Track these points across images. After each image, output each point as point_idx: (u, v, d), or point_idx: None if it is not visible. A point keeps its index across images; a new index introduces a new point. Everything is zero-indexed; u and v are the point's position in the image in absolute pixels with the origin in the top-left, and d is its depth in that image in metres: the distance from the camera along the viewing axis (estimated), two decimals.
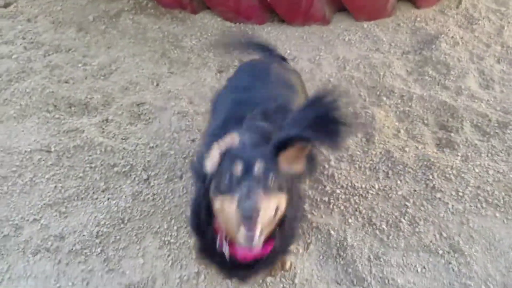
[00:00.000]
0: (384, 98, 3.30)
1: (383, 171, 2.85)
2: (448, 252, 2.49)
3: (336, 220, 2.61)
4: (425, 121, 3.14)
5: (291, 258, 2.43)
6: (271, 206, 1.60)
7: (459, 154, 2.93)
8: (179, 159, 2.87)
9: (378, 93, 3.35)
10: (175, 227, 2.54)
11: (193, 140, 2.98)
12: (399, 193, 2.73)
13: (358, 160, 2.90)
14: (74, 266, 2.39)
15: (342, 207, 2.67)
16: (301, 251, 2.49)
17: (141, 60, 3.53)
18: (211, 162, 1.73)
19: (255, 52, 2.76)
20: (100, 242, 2.48)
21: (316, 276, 2.39)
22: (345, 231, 2.56)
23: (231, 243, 1.80)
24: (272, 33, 3.88)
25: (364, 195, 2.72)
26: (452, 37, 3.76)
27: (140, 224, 2.56)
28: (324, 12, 3.90)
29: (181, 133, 3.01)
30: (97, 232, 2.51)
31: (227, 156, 1.70)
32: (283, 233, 1.85)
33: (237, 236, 1.60)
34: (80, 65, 3.45)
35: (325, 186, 2.75)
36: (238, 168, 1.61)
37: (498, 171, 2.84)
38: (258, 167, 1.60)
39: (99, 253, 2.44)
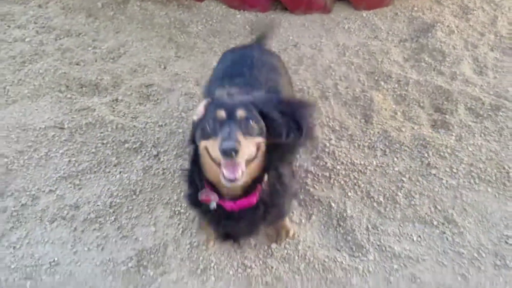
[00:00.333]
0: (382, 83, 3.44)
1: (381, 149, 2.99)
2: (443, 223, 2.63)
3: (336, 194, 2.75)
4: (421, 104, 3.29)
5: (294, 227, 2.57)
6: (251, 147, 1.75)
7: (453, 134, 3.07)
8: (187, 137, 3.00)
9: (376, 78, 3.49)
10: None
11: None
12: (396, 169, 2.88)
13: (357, 139, 3.05)
14: (89, 233, 2.52)
15: (342, 182, 2.81)
16: (303, 221, 2.62)
17: (148, 45, 3.66)
18: (198, 112, 1.89)
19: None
20: (113, 212, 2.61)
21: (318, 244, 2.53)
22: (345, 203, 2.70)
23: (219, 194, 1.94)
24: (274, 21, 4.01)
25: (363, 171, 2.87)
26: (448, 26, 3.91)
27: (151, 196, 2.69)
28: (325, 1, 4.04)
29: (188, 113, 3.14)
30: (111, 203, 2.64)
31: (211, 105, 1.85)
32: (273, 188, 2.00)
33: (220, 174, 1.73)
34: (90, 48, 3.58)
35: (326, 163, 2.89)
36: (222, 113, 1.75)
37: (490, 150, 2.99)
38: (239, 113, 1.76)
39: (113, 221, 2.57)
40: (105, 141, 2.94)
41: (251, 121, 1.77)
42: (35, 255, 2.41)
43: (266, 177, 1.98)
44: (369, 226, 2.61)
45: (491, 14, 4.09)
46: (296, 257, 2.46)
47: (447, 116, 3.18)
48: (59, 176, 2.75)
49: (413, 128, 3.11)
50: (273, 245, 2.50)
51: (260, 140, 1.81)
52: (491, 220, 2.66)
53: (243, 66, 2.46)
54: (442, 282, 2.38)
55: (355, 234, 2.57)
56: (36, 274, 2.34)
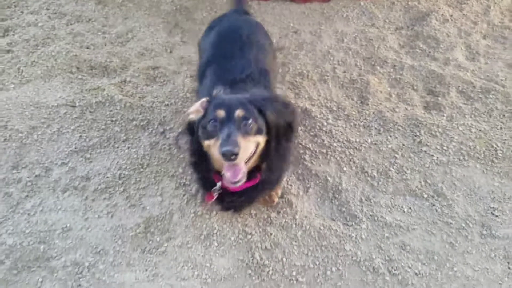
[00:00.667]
0: (378, 67, 3.55)
1: (375, 128, 3.10)
2: (432, 196, 2.74)
3: (332, 169, 2.86)
4: (415, 87, 3.39)
5: (292, 199, 2.68)
6: (250, 147, 1.87)
7: (444, 115, 3.18)
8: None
9: (372, 63, 3.60)
10: (189, 172, 2.79)
11: None
12: (389, 146, 2.98)
13: (353, 119, 3.16)
14: (99, 202, 2.64)
15: (338, 158, 2.92)
16: (301, 193, 2.74)
17: (155, 30, 3.77)
18: (195, 111, 2.00)
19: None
20: (122, 183, 2.73)
21: (314, 214, 2.64)
22: (340, 177, 2.82)
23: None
24: (276, 9, 4.11)
25: (358, 148, 2.98)
26: (442, 14, 4.00)
27: (158, 169, 2.81)
28: None
29: (193, 94, 3.25)
30: (120, 175, 2.76)
31: (211, 104, 1.95)
32: (270, 169, 2.14)
33: (223, 175, 1.91)
34: (99, 33, 3.69)
35: (323, 140, 3.00)
36: (221, 113, 1.86)
37: (480, 130, 3.09)
38: (238, 113, 1.86)
39: (122, 192, 2.68)
40: (114, 119, 3.06)
41: (249, 120, 1.87)
42: (48, 222, 2.53)
43: (265, 164, 2.11)
44: (363, 198, 2.72)
45: (484, 4, 4.18)
46: (294, 225, 2.57)
47: (439, 98, 3.29)
48: (70, 150, 2.87)
49: (406, 109, 3.21)
50: (272, 214, 2.61)
51: (259, 138, 1.94)
52: (479, 193, 2.77)
53: (232, 45, 2.54)
54: (431, 249, 2.49)
55: (349, 206, 2.68)
56: (49, 238, 2.46)
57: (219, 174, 2.08)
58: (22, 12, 3.85)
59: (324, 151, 2.95)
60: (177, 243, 2.48)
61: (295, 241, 2.51)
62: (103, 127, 3.01)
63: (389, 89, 3.38)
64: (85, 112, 3.09)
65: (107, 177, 2.75)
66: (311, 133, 3.04)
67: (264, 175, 2.13)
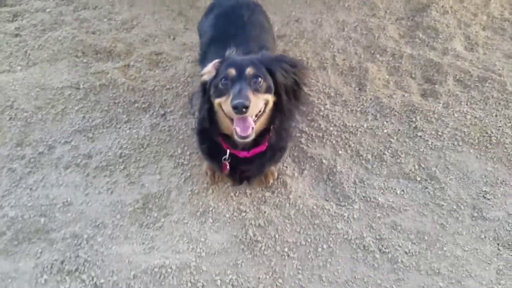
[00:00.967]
0: (378, 56, 3.56)
1: (372, 114, 3.12)
2: (426, 180, 2.76)
3: (328, 152, 2.89)
4: (413, 75, 3.41)
5: (287, 180, 2.71)
6: (259, 103, 1.94)
7: (441, 101, 3.19)
8: (196, 96, 3.15)
9: (372, 51, 3.61)
10: (188, 152, 2.83)
11: None
12: (385, 131, 3.00)
13: (350, 105, 3.17)
14: (100, 178, 2.69)
15: (334, 142, 2.94)
16: (296, 175, 2.77)
17: (159, 17, 3.81)
18: (208, 72, 2.08)
19: None
20: (123, 161, 2.77)
21: (308, 194, 2.67)
22: (335, 160, 2.84)
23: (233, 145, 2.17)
24: None
25: (354, 132, 3.00)
26: (443, 6, 4.00)
27: (157, 149, 2.85)
28: None
29: (194, 78, 3.29)
30: (120, 154, 2.81)
31: (223, 64, 2.02)
32: (277, 133, 2.25)
33: (233, 131, 1.97)
34: (105, 19, 3.74)
35: (320, 125, 3.03)
36: (232, 72, 1.93)
37: (475, 117, 3.10)
38: (248, 71, 1.94)
39: (122, 169, 2.73)
40: (116, 101, 3.11)
41: (259, 78, 1.94)
42: (49, 196, 2.58)
43: (272, 127, 2.19)
44: (357, 180, 2.75)
45: None
46: (287, 205, 2.60)
47: (436, 86, 3.30)
48: (74, 130, 2.92)
49: (403, 95, 3.23)
50: (267, 194, 2.64)
51: (268, 97, 2.00)
52: (472, 177, 2.78)
53: (232, 25, 2.62)
54: (421, 230, 2.51)
55: (343, 187, 2.70)
56: (50, 212, 2.51)
57: (227, 141, 2.18)
58: None
59: (320, 135, 2.97)
60: (174, 219, 2.52)
61: (288, 219, 2.54)
62: (106, 108, 3.06)
63: (387, 76, 3.39)
64: (89, 94, 3.14)
65: (108, 155, 2.80)
66: (308, 118, 3.06)
67: (272, 140, 2.22)
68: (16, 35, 3.52)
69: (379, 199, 2.64)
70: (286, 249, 2.41)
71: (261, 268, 2.34)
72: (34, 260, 2.30)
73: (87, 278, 2.25)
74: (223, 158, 2.28)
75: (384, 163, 2.83)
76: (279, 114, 2.13)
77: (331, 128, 3.01)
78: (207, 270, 2.31)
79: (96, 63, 3.38)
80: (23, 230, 2.42)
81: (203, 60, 2.62)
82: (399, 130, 3.01)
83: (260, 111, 1.99)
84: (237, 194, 2.65)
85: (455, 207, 2.63)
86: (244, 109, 1.81)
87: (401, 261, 2.38)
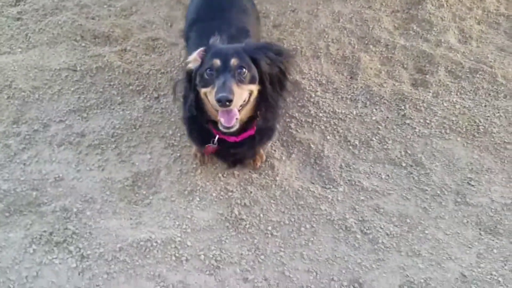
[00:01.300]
0: (371, 46, 3.58)
1: (362, 101, 3.14)
2: (411, 165, 2.78)
3: (316, 137, 2.91)
4: (405, 66, 3.42)
5: (275, 163, 2.74)
6: (243, 94, 1.98)
7: (431, 91, 3.20)
8: (181, 84, 3.19)
9: (366, 42, 3.62)
10: (179, 134, 2.86)
11: None
12: (373, 118, 3.02)
13: (341, 92, 3.20)
14: (92, 156, 2.73)
15: (322, 127, 2.97)
16: (284, 158, 2.79)
17: (158, 5, 3.85)
18: (193, 60, 2.10)
19: None
20: (115, 141, 2.82)
21: (295, 177, 2.70)
22: (323, 145, 2.86)
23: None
24: None
25: (343, 118, 3.02)
26: (438, 0, 4.01)
27: (149, 130, 2.89)
28: None
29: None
30: (113, 133, 2.85)
31: (208, 53, 2.05)
32: (264, 118, 2.23)
33: (218, 121, 2.02)
34: (105, 6, 3.79)
35: (310, 110, 3.05)
36: (217, 62, 1.96)
37: (464, 106, 3.11)
38: (233, 61, 1.96)
39: (113, 148, 2.77)
40: (112, 83, 3.15)
41: (244, 69, 1.97)
42: (42, 171, 2.63)
43: (258, 113, 2.21)
44: (343, 165, 2.77)
45: None
46: (273, 186, 2.63)
47: (427, 76, 3.31)
48: (69, 109, 2.97)
49: (394, 84, 3.24)
50: (254, 175, 2.67)
51: (253, 87, 2.04)
52: (458, 164, 2.79)
53: (213, 8, 2.66)
54: (404, 213, 2.53)
55: (329, 171, 2.73)
56: (42, 186, 2.56)
57: (215, 126, 2.18)
58: None
59: (310, 120, 2.99)
60: (162, 197, 2.56)
61: (273, 200, 2.57)
62: (101, 90, 3.11)
63: (379, 66, 3.41)
64: (85, 76, 3.19)
65: (101, 134, 2.84)
66: (299, 104, 3.09)
67: (259, 124, 2.25)
68: (18, 19, 3.58)
69: (364, 183, 2.66)
70: (269, 228, 2.44)
71: (244, 245, 2.38)
72: (24, 231, 2.35)
73: (74, 249, 2.29)
74: (211, 141, 2.32)
75: (371, 148, 2.85)
76: (264, 102, 2.16)
77: (321, 114, 3.03)
78: (191, 245, 2.35)
79: (94, 47, 3.42)
80: (15, 203, 2.46)
81: (187, 39, 2.72)
82: (387, 117, 3.03)
83: (244, 101, 2.03)
84: (225, 175, 2.68)
85: (439, 192, 2.64)
86: (228, 103, 1.85)
87: (382, 242, 2.40)
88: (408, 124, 2.98)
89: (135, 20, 3.68)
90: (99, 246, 2.31)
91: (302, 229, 2.44)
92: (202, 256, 2.31)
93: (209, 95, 1.98)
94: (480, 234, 2.47)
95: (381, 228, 2.46)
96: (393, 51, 3.52)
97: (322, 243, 2.39)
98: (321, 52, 3.50)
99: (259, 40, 2.86)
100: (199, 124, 2.30)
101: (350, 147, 2.86)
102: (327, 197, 2.58)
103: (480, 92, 3.20)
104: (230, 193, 2.59)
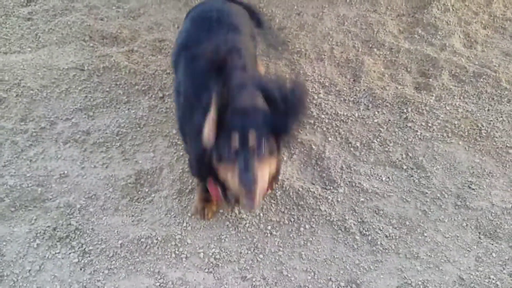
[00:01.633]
0: (375, 50, 3.58)
1: (364, 104, 3.14)
2: (412, 168, 2.77)
3: (318, 138, 2.92)
4: (408, 69, 3.41)
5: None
6: (265, 173, 1.80)
7: (434, 95, 3.19)
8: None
9: (370, 45, 3.62)
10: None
11: None
12: (375, 120, 3.02)
13: (344, 94, 3.20)
14: (96, 154, 2.77)
15: (324, 129, 2.97)
16: (285, 159, 2.80)
17: (166, 7, 3.88)
18: (208, 136, 1.84)
19: None
20: (119, 139, 2.85)
21: (296, 178, 2.71)
22: (325, 146, 2.87)
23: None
24: None
25: (345, 120, 3.02)
26: (444, 4, 3.98)
27: (153, 129, 2.92)
28: None
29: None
30: (118, 132, 2.88)
31: (224, 129, 1.81)
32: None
33: (241, 201, 1.85)
34: (114, 7, 3.83)
35: (312, 112, 3.06)
36: (236, 140, 1.76)
37: (467, 110, 3.10)
38: (251, 137, 1.76)
39: (118, 146, 2.81)
40: (118, 83, 3.18)
41: (262, 143, 1.77)
42: (48, 168, 2.67)
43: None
44: (344, 166, 2.77)
45: None
46: (274, 185, 2.64)
47: (430, 80, 3.30)
48: (75, 108, 3.01)
49: (397, 87, 3.24)
50: None
51: (272, 161, 1.86)
52: (459, 168, 2.78)
53: (202, 29, 2.41)
54: (403, 215, 2.53)
55: (330, 172, 2.73)
56: (47, 182, 2.60)
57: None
58: None
59: (312, 121, 3.00)
60: (164, 195, 2.59)
61: (274, 200, 2.58)
62: (107, 89, 3.14)
63: (383, 69, 3.41)
64: (93, 75, 3.23)
65: (106, 133, 2.88)
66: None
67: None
68: (28, 19, 3.63)
69: (364, 185, 2.66)
70: (269, 227, 2.45)
71: (243, 243, 2.39)
72: (28, 226, 2.39)
73: (76, 244, 2.33)
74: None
75: (372, 151, 2.85)
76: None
77: (323, 116, 3.04)
78: (191, 243, 2.37)
79: (102, 47, 3.46)
80: (20, 198, 2.50)
81: (176, 68, 2.46)
82: (389, 120, 3.02)
83: (265, 183, 1.84)
84: None
85: (439, 195, 2.63)
86: (253, 188, 1.70)
87: (381, 243, 2.40)
88: (410, 127, 2.98)
89: (142, 22, 3.72)
90: (101, 242, 2.34)
91: (302, 229, 2.45)
92: (202, 254, 2.32)
93: (229, 175, 1.79)
94: (479, 237, 2.46)
95: (380, 229, 2.45)
96: (397, 55, 3.52)
97: (321, 243, 2.40)
98: (325, 55, 3.51)
99: (255, 58, 2.64)
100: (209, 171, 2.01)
101: (351, 149, 2.86)
102: (327, 198, 2.59)
103: (483, 96, 3.19)
104: None
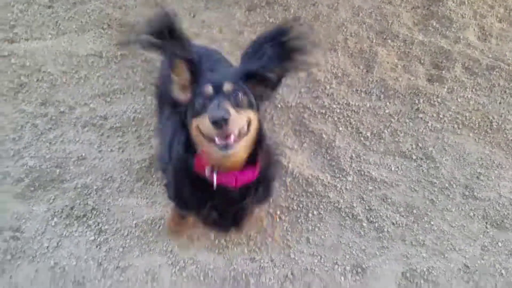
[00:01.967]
0: (389, 41, 3.59)
1: (376, 94, 3.17)
2: (421, 159, 2.80)
3: (329, 128, 2.96)
4: (422, 61, 3.42)
5: (287, 151, 2.80)
6: (241, 118, 1.60)
7: (446, 86, 3.20)
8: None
9: (384, 37, 3.63)
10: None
11: None
12: (387, 111, 3.05)
13: (356, 85, 3.23)
14: (113, 138, 2.85)
15: (336, 118, 3.01)
16: (296, 147, 2.85)
17: None
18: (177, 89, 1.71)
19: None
20: (135, 124, 2.93)
21: (306, 165, 2.76)
22: (335, 136, 2.91)
23: (218, 173, 1.73)
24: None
25: (356, 111, 3.06)
26: None
27: None
28: None
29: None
30: (134, 117, 2.96)
31: (198, 83, 1.68)
32: (267, 160, 1.87)
33: (214, 145, 1.58)
34: None
35: (324, 102, 3.10)
36: (209, 89, 1.61)
37: (478, 103, 3.10)
38: (226, 86, 1.62)
39: (134, 131, 2.89)
40: (135, 70, 3.26)
41: (239, 93, 1.63)
42: (66, 150, 2.76)
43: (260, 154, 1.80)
44: (353, 155, 2.81)
45: None
46: (283, 173, 2.70)
47: (443, 72, 3.31)
48: (94, 94, 3.09)
49: (409, 79, 3.25)
50: None
51: (250, 113, 1.66)
52: (468, 159, 2.80)
53: None
54: (411, 204, 2.57)
55: (340, 161, 2.78)
56: (65, 164, 2.69)
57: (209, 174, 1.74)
58: None
59: (323, 111, 3.04)
60: None
61: (284, 186, 2.63)
62: (124, 76, 3.22)
63: (396, 60, 3.42)
64: (111, 62, 3.31)
65: (123, 118, 2.96)
66: (313, 95, 3.14)
67: (262, 168, 1.83)
68: (49, 7, 3.72)
69: (373, 174, 2.70)
70: (278, 212, 2.51)
71: (253, 227, 2.45)
72: (47, 205, 2.49)
73: (93, 223, 2.42)
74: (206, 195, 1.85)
75: (382, 141, 2.89)
76: (263, 139, 1.80)
77: (334, 106, 3.07)
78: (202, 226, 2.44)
79: (120, 35, 3.54)
80: (39, 179, 2.60)
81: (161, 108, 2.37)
82: (400, 111, 3.05)
83: (243, 129, 1.62)
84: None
85: (447, 185, 2.66)
86: (223, 122, 1.48)
87: (387, 231, 2.44)
88: (421, 118, 3.00)
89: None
90: (117, 221, 2.43)
91: (310, 215, 2.51)
92: (213, 236, 2.39)
93: (202, 123, 1.58)
94: (486, 227, 2.49)
95: (387, 217, 2.50)
96: (410, 46, 3.53)
97: (328, 229, 2.45)
98: (338, 46, 3.53)
99: None
100: (190, 182, 1.86)
101: (362, 138, 2.90)
102: (336, 185, 2.64)
103: (495, 89, 3.19)
104: None
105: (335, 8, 3.87)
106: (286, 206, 2.54)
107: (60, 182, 2.60)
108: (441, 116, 3.01)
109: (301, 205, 2.55)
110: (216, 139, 1.55)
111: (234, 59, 3.36)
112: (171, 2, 3.89)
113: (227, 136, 1.53)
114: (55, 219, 2.42)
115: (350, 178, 2.67)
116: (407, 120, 2.99)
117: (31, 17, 3.62)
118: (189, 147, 1.75)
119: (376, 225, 2.46)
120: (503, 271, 2.29)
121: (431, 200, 2.58)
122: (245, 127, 1.63)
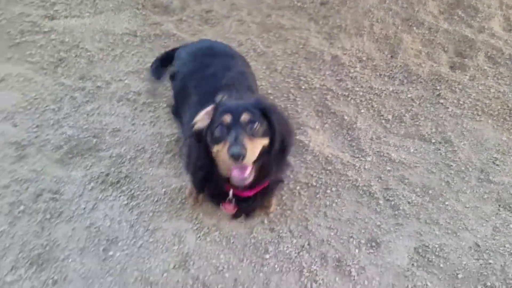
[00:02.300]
0: (414, 28, 3.64)
1: (399, 79, 3.24)
2: (440, 142, 2.87)
3: (351, 110, 3.05)
4: (445, 49, 3.46)
5: (309, 130, 2.91)
6: (256, 148, 1.83)
7: (468, 74, 3.25)
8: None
9: (410, 24, 3.68)
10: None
11: (246, 40, 3.51)
12: (409, 95, 3.12)
13: (380, 69, 3.30)
14: (145, 112, 3.01)
15: (358, 101, 3.10)
16: (317, 127, 2.96)
17: None
18: (201, 120, 1.96)
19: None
20: (166, 101, 3.08)
21: (326, 145, 2.86)
22: (357, 117, 3.00)
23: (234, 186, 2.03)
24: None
25: (378, 94, 3.14)
26: None
27: None
28: None
29: (238, 35, 3.53)
30: (165, 94, 3.11)
31: (217, 110, 1.92)
32: (276, 170, 2.09)
33: (231, 176, 1.89)
34: None
35: (347, 84, 3.19)
36: (227, 118, 1.84)
37: (499, 91, 3.14)
38: (244, 117, 1.84)
39: (164, 107, 3.03)
40: (167, 49, 3.39)
41: (255, 123, 1.84)
42: (102, 122, 2.93)
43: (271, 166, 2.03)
44: (374, 137, 2.90)
45: None
46: (304, 151, 2.81)
47: (466, 60, 3.35)
48: (128, 70, 3.25)
49: (432, 65, 3.31)
50: None
51: (265, 141, 1.89)
52: (485, 145, 2.86)
53: (206, 59, 2.53)
54: (427, 185, 2.65)
55: (360, 142, 2.87)
56: (101, 134, 2.86)
57: (228, 183, 2.04)
58: None
59: (346, 94, 3.13)
60: None
61: (304, 163, 2.75)
62: (157, 54, 3.36)
63: (420, 47, 3.48)
64: (144, 41, 3.46)
65: (155, 94, 3.11)
66: (337, 78, 3.23)
67: (272, 177, 2.09)
68: None
69: (392, 155, 2.79)
70: (298, 188, 2.63)
71: (262, 212, 2.55)
72: (84, 171, 2.66)
73: (126, 189, 2.58)
74: (227, 198, 2.15)
75: (403, 124, 2.96)
76: (275, 156, 1.99)
77: (357, 89, 3.16)
78: None
79: (154, 16, 3.69)
80: (77, 147, 2.78)
81: (179, 98, 2.58)
82: (422, 96, 3.12)
83: (257, 155, 1.86)
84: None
85: (463, 168, 2.73)
86: (241, 158, 1.72)
87: (403, 209, 2.54)
88: (442, 103, 3.06)
89: None
90: (147, 188, 2.59)
91: (328, 191, 2.62)
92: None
93: (221, 151, 1.84)
94: (498, 209, 2.56)
95: (403, 196, 2.59)
96: (435, 34, 3.57)
97: (346, 205, 2.56)
98: (364, 31, 3.60)
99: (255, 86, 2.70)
100: (213, 183, 2.13)
101: (383, 121, 2.98)
102: (355, 165, 2.74)
103: None
104: None
105: None
106: (305, 182, 2.66)
107: (96, 151, 2.77)
108: (461, 102, 3.07)
109: (320, 182, 2.66)
110: (233, 172, 1.85)
111: (260, 41, 3.49)
112: None
113: (243, 167, 1.81)
114: (92, 184, 2.60)
115: (369, 159, 2.77)
116: (428, 105, 3.06)
117: None
118: (210, 162, 1.99)
119: (392, 203, 2.56)
120: None
121: (447, 182, 2.66)
122: (259, 153, 1.86)
